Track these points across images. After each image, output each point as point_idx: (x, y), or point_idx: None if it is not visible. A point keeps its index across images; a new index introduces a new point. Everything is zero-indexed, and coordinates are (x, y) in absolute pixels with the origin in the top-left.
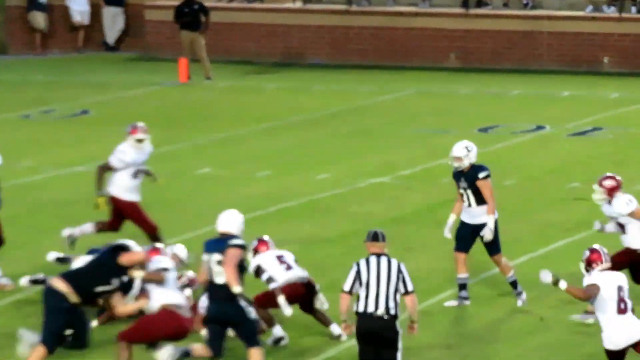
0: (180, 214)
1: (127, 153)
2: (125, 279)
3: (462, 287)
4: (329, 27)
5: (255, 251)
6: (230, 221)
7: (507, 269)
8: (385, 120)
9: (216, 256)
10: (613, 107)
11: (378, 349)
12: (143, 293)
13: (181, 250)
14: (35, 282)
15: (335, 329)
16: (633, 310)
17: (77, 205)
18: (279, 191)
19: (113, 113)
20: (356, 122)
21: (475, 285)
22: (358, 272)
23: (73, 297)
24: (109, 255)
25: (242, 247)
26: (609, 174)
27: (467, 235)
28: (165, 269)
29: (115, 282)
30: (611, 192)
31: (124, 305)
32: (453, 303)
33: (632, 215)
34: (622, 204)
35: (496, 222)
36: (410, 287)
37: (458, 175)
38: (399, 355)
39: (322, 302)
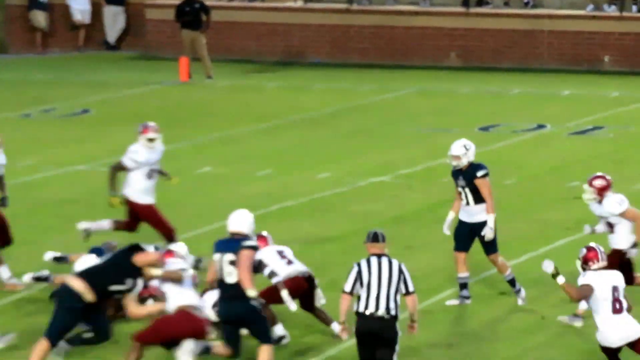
0: (180, 213)
1: (139, 153)
2: (139, 281)
3: (463, 286)
4: (330, 26)
5: None
6: (241, 221)
7: (504, 268)
8: (386, 119)
9: (229, 256)
10: (613, 106)
11: (376, 349)
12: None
13: (181, 249)
14: (38, 279)
15: (336, 327)
16: (630, 310)
17: (78, 205)
18: (279, 190)
19: (114, 112)
20: (357, 121)
21: (476, 284)
22: (359, 273)
23: (89, 295)
24: (125, 254)
25: (255, 249)
26: (599, 174)
27: (465, 234)
28: (182, 269)
29: (129, 282)
30: (601, 191)
31: (138, 307)
32: (454, 302)
33: (623, 215)
34: (614, 203)
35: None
36: (411, 288)
37: (457, 173)
38: (395, 356)
39: (319, 298)
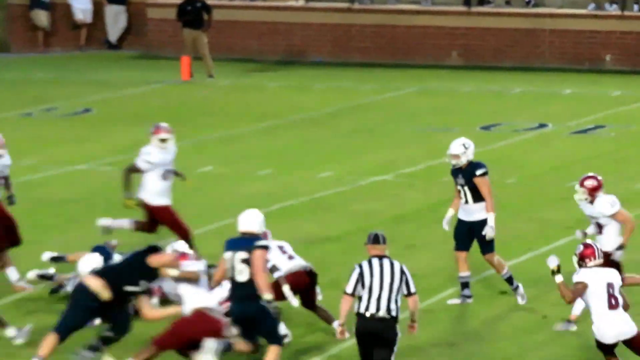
0: (181, 213)
1: (153, 154)
2: (154, 285)
3: (465, 285)
4: (331, 25)
5: None
6: (252, 220)
7: (501, 267)
8: (387, 119)
9: (242, 254)
10: (615, 105)
11: (375, 348)
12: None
13: (181, 247)
14: (43, 277)
15: (336, 327)
16: (627, 308)
17: (79, 204)
18: (280, 189)
19: (115, 111)
20: (358, 120)
21: (476, 283)
22: (361, 275)
23: (105, 293)
24: (140, 255)
25: (268, 248)
26: (590, 174)
27: (464, 233)
28: (199, 270)
29: (143, 284)
30: (592, 192)
31: (152, 310)
32: (456, 301)
33: (614, 216)
34: (606, 205)
35: None
36: (413, 289)
37: (456, 172)
38: (393, 357)
39: (317, 293)
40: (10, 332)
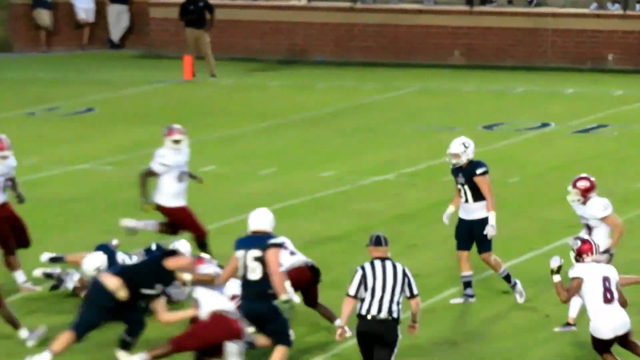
0: None
1: (167, 156)
2: (170, 289)
3: (467, 284)
4: (333, 25)
5: None
6: (263, 219)
7: (498, 266)
8: (389, 118)
9: (254, 252)
10: (617, 105)
11: (375, 349)
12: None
13: (184, 246)
14: (48, 276)
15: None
16: (625, 305)
17: (80, 203)
18: (282, 189)
19: (118, 111)
20: (360, 119)
21: (478, 283)
22: (364, 277)
23: (122, 293)
24: (157, 258)
25: (281, 246)
26: (583, 175)
27: (465, 232)
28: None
29: (159, 288)
30: (585, 193)
31: (168, 313)
32: (458, 300)
33: (604, 220)
34: (599, 207)
35: None
36: (415, 291)
37: (456, 171)
38: (393, 357)
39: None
40: (23, 333)
